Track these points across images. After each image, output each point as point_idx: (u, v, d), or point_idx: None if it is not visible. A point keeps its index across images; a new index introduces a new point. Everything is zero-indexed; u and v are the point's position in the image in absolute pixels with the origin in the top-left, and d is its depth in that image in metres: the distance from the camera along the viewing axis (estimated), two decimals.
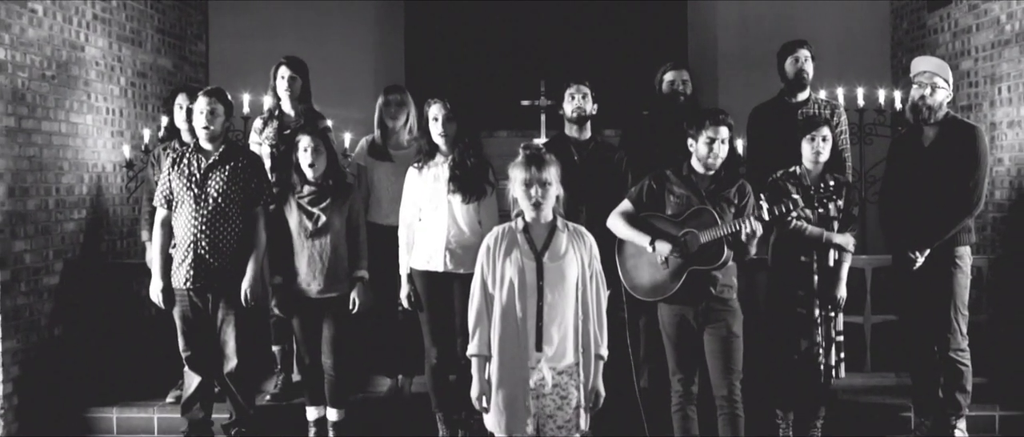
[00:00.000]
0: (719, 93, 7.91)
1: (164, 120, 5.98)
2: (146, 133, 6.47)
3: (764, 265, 5.10)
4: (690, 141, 4.52)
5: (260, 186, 5.00)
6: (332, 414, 5.07)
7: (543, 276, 3.83)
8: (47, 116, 5.70)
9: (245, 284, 4.90)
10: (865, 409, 5.48)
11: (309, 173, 4.92)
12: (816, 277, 4.84)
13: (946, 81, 4.94)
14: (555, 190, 3.86)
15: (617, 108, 5.93)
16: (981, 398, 5.31)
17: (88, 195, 6.17)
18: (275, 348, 5.74)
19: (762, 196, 4.45)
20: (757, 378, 4.91)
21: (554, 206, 3.90)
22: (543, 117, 6.90)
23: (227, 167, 4.94)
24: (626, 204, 4.62)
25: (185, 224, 4.90)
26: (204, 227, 4.88)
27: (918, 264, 4.92)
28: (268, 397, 5.65)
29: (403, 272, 4.93)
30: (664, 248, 4.41)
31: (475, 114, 5.09)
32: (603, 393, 3.91)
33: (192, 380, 5.07)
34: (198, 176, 4.92)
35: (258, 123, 5.69)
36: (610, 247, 4.57)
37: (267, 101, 5.74)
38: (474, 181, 4.81)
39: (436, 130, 4.84)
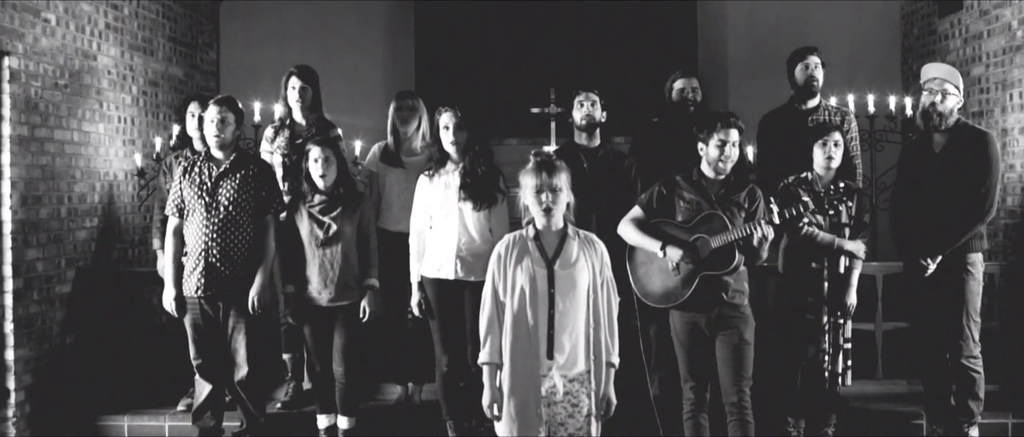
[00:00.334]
0: (729, 99, 7.90)
1: (176, 128, 6.00)
2: (158, 141, 6.50)
3: (775, 271, 5.09)
4: (701, 145, 4.52)
5: (271, 194, 5.02)
6: (343, 422, 5.08)
7: (554, 284, 3.83)
8: (60, 125, 5.73)
9: (253, 292, 4.91)
10: (876, 416, 5.45)
11: (320, 183, 4.93)
12: (826, 283, 4.83)
13: (957, 87, 4.93)
14: (566, 196, 3.87)
15: (627, 115, 5.93)
16: (993, 405, 5.29)
17: (100, 203, 6.20)
18: (286, 356, 5.75)
19: (772, 200, 4.44)
20: (768, 384, 4.90)
21: (565, 213, 3.90)
22: (553, 125, 6.91)
23: (238, 175, 4.96)
24: (636, 210, 4.62)
25: (196, 232, 4.92)
26: (215, 235, 4.89)
27: (930, 271, 4.90)
28: (279, 405, 5.65)
29: (414, 280, 4.95)
30: (675, 254, 4.41)
31: (485, 122, 5.10)
32: (614, 401, 3.90)
33: (203, 388, 5.08)
34: (209, 185, 4.94)
35: (269, 132, 5.71)
36: (620, 254, 4.57)
37: (278, 110, 5.76)
38: (485, 189, 4.82)
39: (447, 138, 4.85)
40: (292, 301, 5.00)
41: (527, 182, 3.87)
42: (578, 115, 5.23)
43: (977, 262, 4.96)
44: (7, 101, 5.23)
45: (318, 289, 4.95)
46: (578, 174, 4.64)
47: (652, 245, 4.46)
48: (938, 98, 4.91)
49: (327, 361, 5.04)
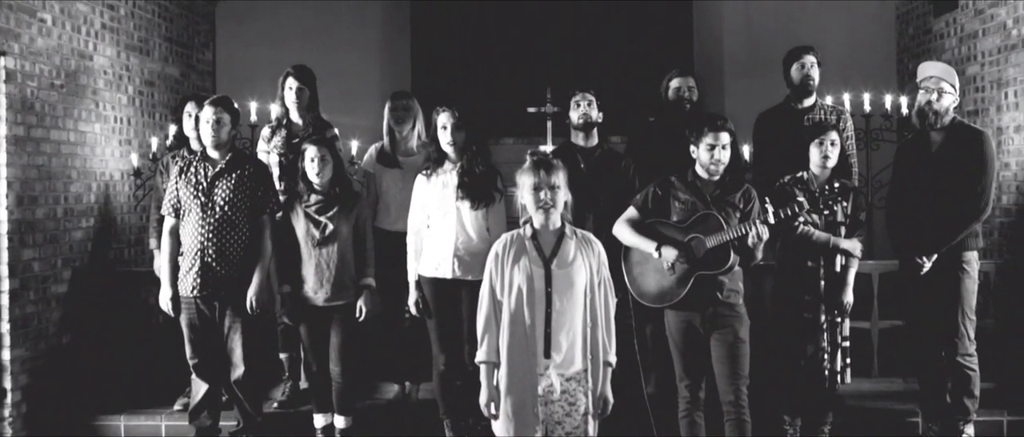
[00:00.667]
0: (726, 98, 7.92)
1: (172, 128, 6.00)
2: (154, 141, 6.50)
3: (771, 270, 5.10)
4: (692, 148, 4.54)
5: (266, 194, 5.02)
6: (339, 421, 5.08)
7: (551, 283, 3.84)
8: (56, 125, 5.73)
9: (251, 292, 4.92)
10: (872, 414, 5.47)
11: (316, 182, 4.94)
12: (822, 282, 4.84)
13: (952, 86, 4.95)
14: (563, 195, 3.88)
15: (623, 115, 5.93)
16: (989, 403, 5.31)
17: (96, 203, 6.20)
18: (282, 355, 5.75)
19: (767, 200, 4.45)
20: (764, 383, 4.91)
21: (562, 213, 3.91)
22: (549, 124, 6.90)
23: (234, 175, 4.96)
24: (631, 211, 4.62)
25: (192, 232, 4.92)
26: (211, 235, 4.90)
27: (925, 269, 4.91)
28: (275, 404, 5.65)
29: (411, 279, 4.95)
30: (670, 253, 4.42)
31: (481, 121, 5.11)
32: (611, 400, 3.91)
33: (199, 388, 5.08)
34: (205, 184, 4.94)
35: (266, 132, 5.71)
36: (617, 254, 4.57)
37: (275, 110, 5.76)
38: (482, 188, 4.82)
39: (445, 138, 4.85)
40: (288, 301, 5.01)
41: (524, 181, 3.87)
42: (575, 115, 5.24)
43: (972, 260, 4.98)
44: (3, 101, 5.23)
45: (314, 289, 4.95)
46: (575, 174, 4.64)
47: (647, 245, 4.47)
48: (934, 97, 4.92)
49: (323, 361, 5.05)
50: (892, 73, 7.85)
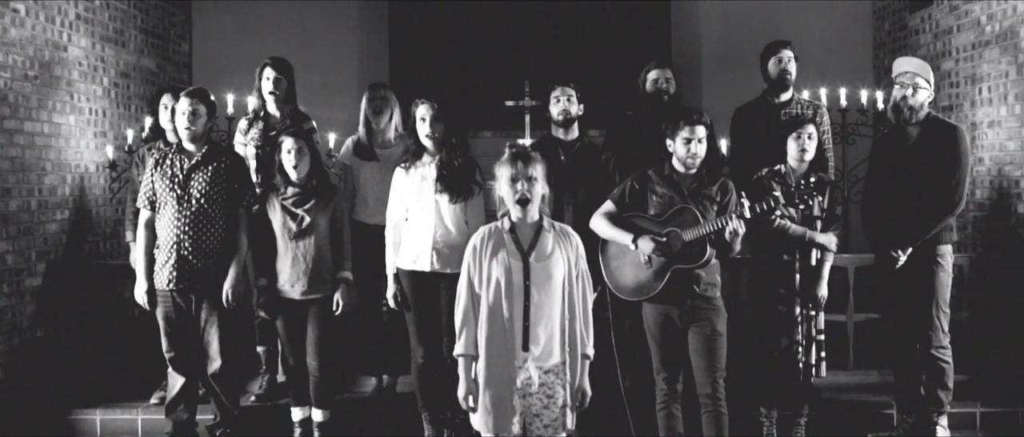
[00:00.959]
0: (703, 93, 7.94)
1: (148, 120, 5.95)
2: (129, 133, 6.44)
3: (748, 263, 5.13)
4: (668, 141, 4.55)
5: (243, 187, 4.99)
6: (317, 415, 5.07)
7: (530, 276, 3.84)
8: (29, 116, 5.67)
9: (227, 285, 4.89)
10: (848, 407, 5.51)
11: (293, 174, 4.91)
12: (798, 276, 4.87)
13: (927, 81, 4.98)
14: (541, 188, 3.88)
15: (601, 109, 5.95)
16: (962, 395, 5.36)
17: (71, 196, 6.15)
18: (260, 349, 5.73)
19: (743, 194, 4.47)
20: (741, 376, 4.94)
21: (540, 206, 3.91)
22: (528, 118, 6.91)
23: (210, 168, 4.93)
24: (608, 205, 4.63)
25: (168, 225, 4.89)
26: (187, 228, 4.87)
27: (900, 263, 4.96)
28: (253, 398, 5.63)
29: (390, 272, 4.94)
30: (647, 246, 4.43)
31: (460, 115, 5.10)
32: (589, 392, 3.92)
33: (176, 381, 5.05)
34: (181, 177, 4.90)
35: (243, 124, 5.68)
36: (594, 248, 4.58)
37: (252, 102, 5.73)
38: (461, 181, 4.82)
39: (423, 130, 4.84)
40: (264, 294, 4.98)
41: (502, 173, 3.88)
42: (555, 110, 5.25)
43: (947, 254, 5.02)
44: None
45: (291, 282, 4.93)
46: (555, 167, 4.65)
47: (624, 238, 4.48)
48: (909, 92, 4.96)
49: (301, 354, 5.03)
50: (868, 68, 7.90)
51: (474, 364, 3.87)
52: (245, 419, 5.22)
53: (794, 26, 7.55)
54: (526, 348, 3.83)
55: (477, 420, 3.89)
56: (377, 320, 5.50)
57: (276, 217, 4.94)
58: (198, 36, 8.12)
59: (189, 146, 4.97)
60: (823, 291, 4.91)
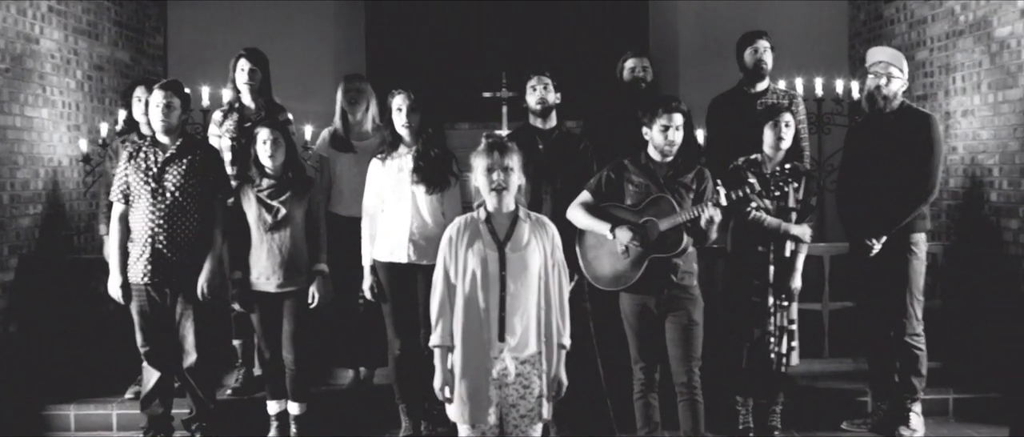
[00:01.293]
0: (680, 84, 7.94)
1: (122, 113, 5.90)
2: (103, 127, 6.38)
3: (723, 253, 5.14)
4: (645, 130, 4.55)
5: (218, 180, 4.96)
6: (294, 407, 5.05)
7: (506, 266, 3.83)
8: (1, 110, 5.61)
9: (202, 279, 4.86)
10: (823, 394, 5.55)
11: (268, 164, 4.89)
12: (772, 267, 4.89)
13: (901, 70, 5.02)
14: (517, 178, 3.87)
15: (578, 101, 5.94)
16: (935, 382, 5.41)
17: (44, 190, 6.09)
18: (236, 342, 5.70)
19: (719, 182, 4.48)
20: (716, 365, 4.96)
21: (516, 196, 3.91)
22: (504, 109, 6.90)
23: (184, 161, 4.89)
24: (585, 195, 4.63)
25: (142, 218, 4.85)
26: (161, 221, 4.83)
27: (875, 251, 4.99)
28: (229, 391, 5.61)
29: (366, 263, 4.93)
30: (624, 235, 4.43)
31: (437, 106, 5.09)
32: (566, 382, 3.92)
33: (151, 375, 5.02)
34: (155, 170, 4.87)
35: (218, 116, 5.64)
36: (571, 238, 4.58)
37: (227, 94, 5.69)
38: (438, 172, 4.81)
39: (400, 121, 4.83)
40: (239, 287, 4.95)
41: (479, 163, 3.86)
42: (532, 99, 5.21)
43: (920, 242, 5.06)
44: None
45: (266, 274, 4.90)
46: (534, 155, 4.63)
47: (601, 227, 4.48)
48: (883, 81, 4.99)
49: (276, 347, 5.01)
50: (844, 58, 7.94)
51: (450, 355, 3.86)
52: (221, 413, 5.19)
53: (770, 16, 7.56)
54: (502, 338, 3.83)
55: (453, 411, 3.88)
56: (353, 312, 5.48)
57: (251, 209, 4.91)
58: (173, 29, 8.05)
59: (163, 139, 4.93)
60: (797, 283, 4.92)
